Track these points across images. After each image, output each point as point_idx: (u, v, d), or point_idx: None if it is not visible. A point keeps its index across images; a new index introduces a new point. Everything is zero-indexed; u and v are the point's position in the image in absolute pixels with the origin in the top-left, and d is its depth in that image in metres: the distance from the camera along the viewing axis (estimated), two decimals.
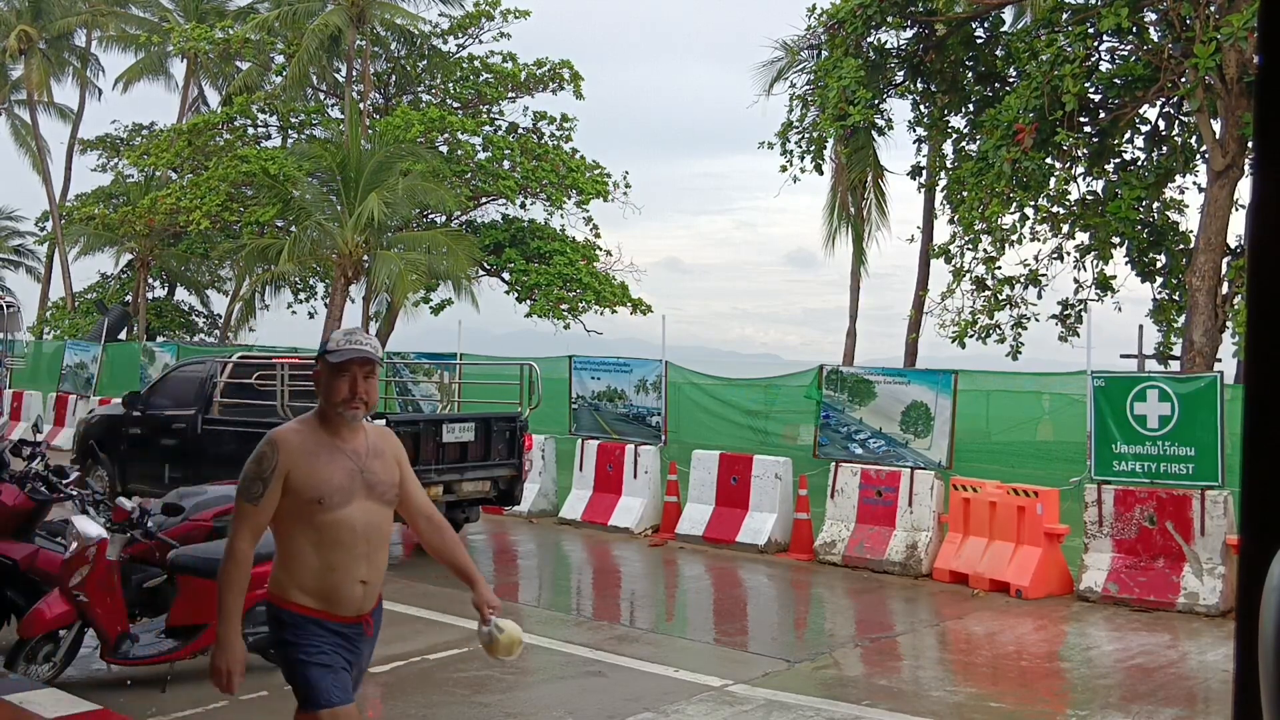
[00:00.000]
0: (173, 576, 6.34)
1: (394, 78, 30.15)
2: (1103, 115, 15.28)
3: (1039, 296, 17.14)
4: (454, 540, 3.72)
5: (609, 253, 28.32)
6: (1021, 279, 16.92)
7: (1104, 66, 15.13)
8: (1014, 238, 16.07)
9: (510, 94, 28.72)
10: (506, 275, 27.61)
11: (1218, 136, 13.87)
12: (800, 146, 18.49)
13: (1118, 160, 16.40)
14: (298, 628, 3.33)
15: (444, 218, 27.75)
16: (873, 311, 29.38)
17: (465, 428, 10.75)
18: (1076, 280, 17.30)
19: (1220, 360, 14.02)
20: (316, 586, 3.34)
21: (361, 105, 27.30)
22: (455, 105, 28.82)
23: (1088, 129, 15.26)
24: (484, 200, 28.29)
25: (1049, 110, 14.23)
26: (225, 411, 11.29)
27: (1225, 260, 14.20)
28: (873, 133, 18.45)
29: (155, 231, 27.86)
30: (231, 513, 3.40)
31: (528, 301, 26.89)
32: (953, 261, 16.94)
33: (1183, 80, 13.94)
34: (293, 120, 29.59)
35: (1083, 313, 16.83)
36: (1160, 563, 8.96)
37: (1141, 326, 17.62)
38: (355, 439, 3.44)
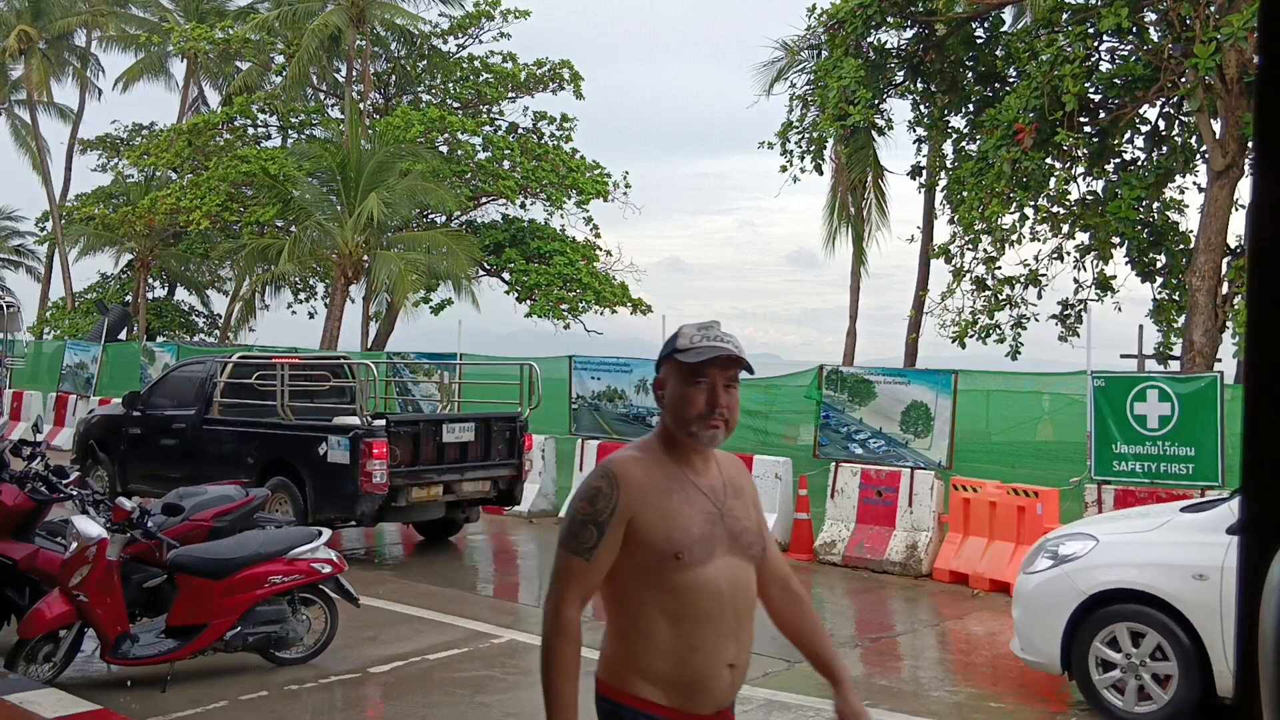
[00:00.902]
0: (173, 576, 6.35)
1: (394, 78, 30.18)
2: (1103, 115, 15.28)
3: (1039, 296, 17.14)
4: (815, 620, 2.78)
5: (609, 253, 28.40)
6: (1021, 279, 16.92)
7: (1104, 66, 15.13)
8: (1014, 238, 16.06)
9: (510, 94, 28.76)
10: (506, 275, 27.64)
11: (1218, 136, 13.87)
12: (800, 146, 18.50)
13: (1118, 160, 16.40)
14: None
15: (444, 218, 27.78)
16: (873, 311, 29.44)
17: (465, 428, 10.75)
18: (1076, 280, 17.31)
19: (1220, 360, 14.01)
20: (671, 674, 2.46)
21: (361, 105, 27.32)
22: (455, 105, 28.85)
23: (1088, 129, 15.26)
24: (484, 200, 28.31)
25: (1049, 110, 14.23)
26: (225, 411, 11.29)
27: (1225, 260, 14.19)
28: (873, 133, 18.46)
29: (155, 231, 27.89)
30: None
31: (528, 301, 26.91)
32: (953, 261, 16.94)
33: (1183, 80, 13.94)
34: (293, 120, 29.62)
35: (1083, 313, 16.83)
36: None
37: (1141, 326, 17.61)
38: (709, 471, 2.58)
